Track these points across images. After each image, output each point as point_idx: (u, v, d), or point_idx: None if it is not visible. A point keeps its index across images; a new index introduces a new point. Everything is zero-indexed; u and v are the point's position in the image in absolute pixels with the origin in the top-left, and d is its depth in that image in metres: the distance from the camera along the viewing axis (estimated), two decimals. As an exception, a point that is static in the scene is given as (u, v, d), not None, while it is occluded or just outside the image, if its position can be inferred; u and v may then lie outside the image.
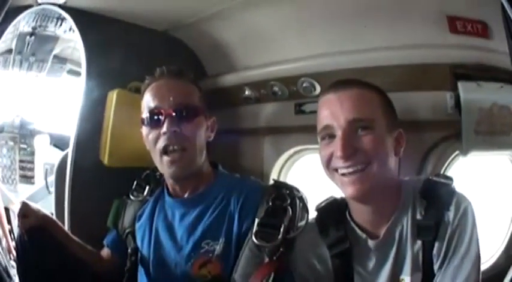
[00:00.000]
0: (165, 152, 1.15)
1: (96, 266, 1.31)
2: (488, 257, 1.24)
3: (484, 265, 1.18)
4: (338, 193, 1.03)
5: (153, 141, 1.16)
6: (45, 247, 1.24)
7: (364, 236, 0.99)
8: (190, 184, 1.21)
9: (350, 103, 0.95)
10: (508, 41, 0.87)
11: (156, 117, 1.16)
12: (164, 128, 1.13)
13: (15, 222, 1.61)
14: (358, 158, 0.93)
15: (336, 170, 0.96)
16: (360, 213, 1.00)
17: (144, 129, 1.20)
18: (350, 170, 0.94)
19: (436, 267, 0.93)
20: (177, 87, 1.19)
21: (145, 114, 1.19)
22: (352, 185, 0.94)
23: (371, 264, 0.99)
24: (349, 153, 0.93)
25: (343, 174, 0.95)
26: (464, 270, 0.90)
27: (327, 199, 1.08)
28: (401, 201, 0.98)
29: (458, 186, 0.98)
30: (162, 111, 1.15)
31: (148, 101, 1.19)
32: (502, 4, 0.84)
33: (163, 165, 1.16)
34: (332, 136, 0.96)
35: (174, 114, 1.14)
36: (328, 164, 0.97)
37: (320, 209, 1.08)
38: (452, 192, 0.96)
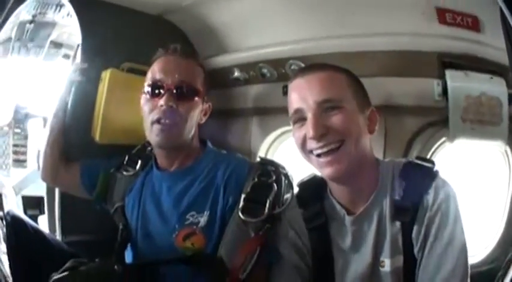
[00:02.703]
0: (157, 122, 1.18)
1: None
2: (482, 249, 1.23)
3: (477, 257, 1.20)
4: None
5: (149, 111, 1.20)
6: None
7: (342, 211, 1.00)
8: (178, 157, 1.24)
9: (318, 85, 0.96)
10: (506, 43, 0.88)
11: (157, 89, 1.20)
12: (162, 101, 1.17)
13: (7, 206, 1.63)
14: (331, 137, 0.94)
15: (311, 151, 0.97)
16: (339, 192, 1.02)
17: (143, 98, 1.23)
18: (324, 149, 0.94)
19: (416, 250, 0.94)
20: (183, 66, 1.23)
21: (147, 83, 1.22)
22: (329, 165, 0.95)
23: (348, 240, 1.00)
24: (321, 133, 0.94)
25: (318, 156, 0.96)
26: (449, 259, 0.90)
27: (309, 176, 1.09)
28: (379, 181, 0.99)
29: (443, 171, 0.98)
30: (164, 84, 1.19)
31: (154, 71, 1.22)
32: (500, 8, 0.86)
33: (152, 133, 1.19)
34: (303, 119, 0.97)
35: (174, 90, 1.18)
36: (303, 147, 0.98)
37: (301, 185, 1.10)
38: (433, 176, 0.96)
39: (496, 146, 1.23)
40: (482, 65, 1.15)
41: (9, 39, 1.85)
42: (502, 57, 1.02)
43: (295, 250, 1.04)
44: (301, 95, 0.97)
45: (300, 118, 0.98)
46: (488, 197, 1.27)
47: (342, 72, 1.00)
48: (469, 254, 0.93)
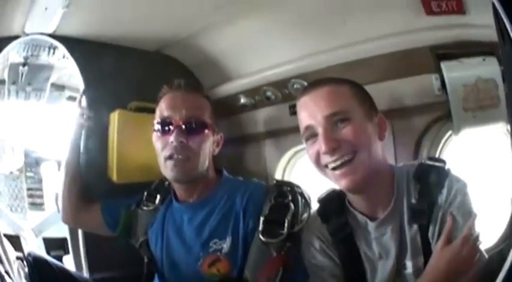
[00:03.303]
0: (169, 158, 1.21)
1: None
2: (489, 238, 1.20)
3: (488, 243, 1.18)
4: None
5: (161, 148, 1.22)
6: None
7: (364, 219, 1.01)
8: (196, 189, 1.26)
9: (323, 100, 0.98)
10: (500, 41, 0.86)
11: (166, 126, 1.22)
12: (172, 138, 1.19)
13: (26, 248, 1.65)
14: (343, 149, 0.95)
15: (326, 166, 0.98)
16: (358, 202, 1.03)
17: (154, 135, 1.25)
18: (338, 162, 0.96)
19: (433, 249, 0.94)
20: (190, 101, 1.25)
21: (157, 121, 1.24)
22: (344, 177, 0.96)
23: (374, 248, 1.01)
24: (333, 146, 0.95)
25: (333, 169, 0.97)
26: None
27: (327, 191, 1.11)
28: (395, 186, 1.00)
29: (453, 167, 0.98)
30: (173, 121, 1.21)
31: (162, 109, 1.24)
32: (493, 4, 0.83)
33: (166, 169, 1.22)
34: (315, 135, 0.98)
35: (183, 126, 1.20)
36: (317, 162, 1.00)
37: (321, 200, 1.11)
38: (445, 175, 0.97)
39: (499, 128, 1.23)
40: (473, 48, 1.17)
41: (1, 81, 1.85)
42: (491, 35, 0.99)
43: (328, 258, 1.05)
44: (309, 112, 0.99)
45: (311, 135, 0.99)
46: (496, 183, 1.25)
47: (345, 84, 1.02)
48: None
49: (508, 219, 1.23)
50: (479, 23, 1.10)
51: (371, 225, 1.01)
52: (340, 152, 0.95)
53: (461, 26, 1.16)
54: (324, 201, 1.11)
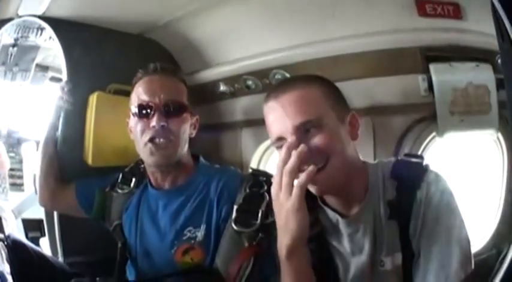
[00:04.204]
0: (150, 141, 1.19)
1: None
2: (478, 240, 1.24)
3: (476, 247, 1.20)
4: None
5: (140, 132, 1.21)
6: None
7: (336, 216, 0.99)
8: (171, 175, 1.26)
9: (293, 108, 0.92)
10: (499, 39, 0.84)
11: (145, 110, 1.21)
12: (153, 122, 1.18)
13: (7, 229, 1.65)
14: (315, 157, 0.91)
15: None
16: (330, 199, 1.01)
17: (132, 120, 1.24)
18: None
19: (414, 245, 0.93)
20: (168, 84, 1.24)
21: (135, 105, 1.23)
22: (317, 184, 0.93)
23: (346, 244, 0.99)
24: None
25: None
26: (453, 254, 0.88)
27: None
28: (369, 183, 0.98)
29: (437, 166, 0.97)
30: (152, 105, 1.20)
31: (139, 93, 1.23)
32: (492, 4, 0.82)
33: (146, 153, 1.21)
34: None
35: (163, 109, 1.20)
36: None
37: None
38: (423, 170, 0.95)
39: (488, 135, 1.23)
40: (467, 53, 1.16)
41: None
42: (487, 42, 1.01)
43: None
44: (278, 119, 0.94)
45: (282, 144, 0.93)
46: (483, 187, 1.27)
47: (316, 85, 0.97)
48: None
49: (496, 224, 1.24)
50: (475, 29, 1.10)
51: (342, 222, 0.99)
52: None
53: (455, 30, 1.15)
54: None
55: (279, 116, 0.94)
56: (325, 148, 0.91)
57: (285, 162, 0.89)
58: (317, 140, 0.92)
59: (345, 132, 0.96)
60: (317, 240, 1.01)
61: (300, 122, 0.92)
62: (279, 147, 0.94)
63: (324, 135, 0.92)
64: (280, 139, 0.94)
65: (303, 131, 0.92)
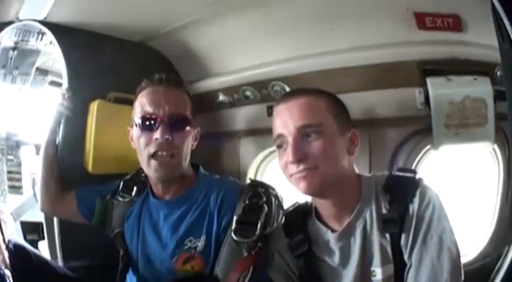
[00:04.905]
0: (153, 156, 1.19)
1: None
2: (473, 248, 1.25)
3: (469, 256, 1.22)
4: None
5: (144, 145, 1.20)
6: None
7: (325, 229, 1.03)
8: (173, 186, 1.26)
9: (298, 111, 0.99)
10: (499, 39, 0.85)
11: (149, 122, 1.19)
12: (157, 135, 1.17)
13: (6, 232, 1.66)
14: (309, 161, 0.97)
15: (292, 175, 1.00)
16: (323, 208, 1.05)
17: (135, 131, 1.23)
18: (303, 173, 0.97)
19: (405, 257, 0.96)
20: (173, 96, 1.23)
21: (138, 117, 1.21)
22: (301, 181, 0.98)
23: (336, 257, 1.02)
24: (299, 157, 0.96)
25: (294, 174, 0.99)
26: (444, 265, 0.91)
27: (293, 205, 1.13)
28: (362, 195, 1.01)
29: (431, 177, 0.99)
30: (157, 118, 1.19)
31: (143, 104, 1.22)
32: (492, 4, 0.83)
33: (150, 168, 1.21)
34: (286, 143, 1.00)
35: (167, 122, 1.19)
36: (285, 171, 1.02)
37: (286, 215, 1.13)
38: (416, 185, 0.98)
39: (484, 147, 1.24)
40: (465, 66, 1.17)
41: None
42: (487, 55, 1.03)
43: (284, 275, 1.08)
44: (283, 120, 1.00)
45: (282, 143, 1.01)
46: (478, 198, 1.29)
47: (323, 97, 1.03)
48: (461, 253, 0.94)
49: (490, 234, 1.26)
50: (475, 41, 1.11)
51: (332, 237, 1.03)
52: (304, 163, 0.97)
53: (454, 43, 1.15)
54: (289, 215, 1.13)
55: (285, 117, 1.01)
56: (318, 154, 0.97)
57: None
58: (314, 144, 0.98)
59: (342, 145, 1.01)
60: (305, 258, 1.05)
61: (302, 125, 0.98)
62: (279, 146, 1.02)
63: (321, 141, 0.98)
64: (280, 137, 1.01)
65: (302, 134, 0.98)
